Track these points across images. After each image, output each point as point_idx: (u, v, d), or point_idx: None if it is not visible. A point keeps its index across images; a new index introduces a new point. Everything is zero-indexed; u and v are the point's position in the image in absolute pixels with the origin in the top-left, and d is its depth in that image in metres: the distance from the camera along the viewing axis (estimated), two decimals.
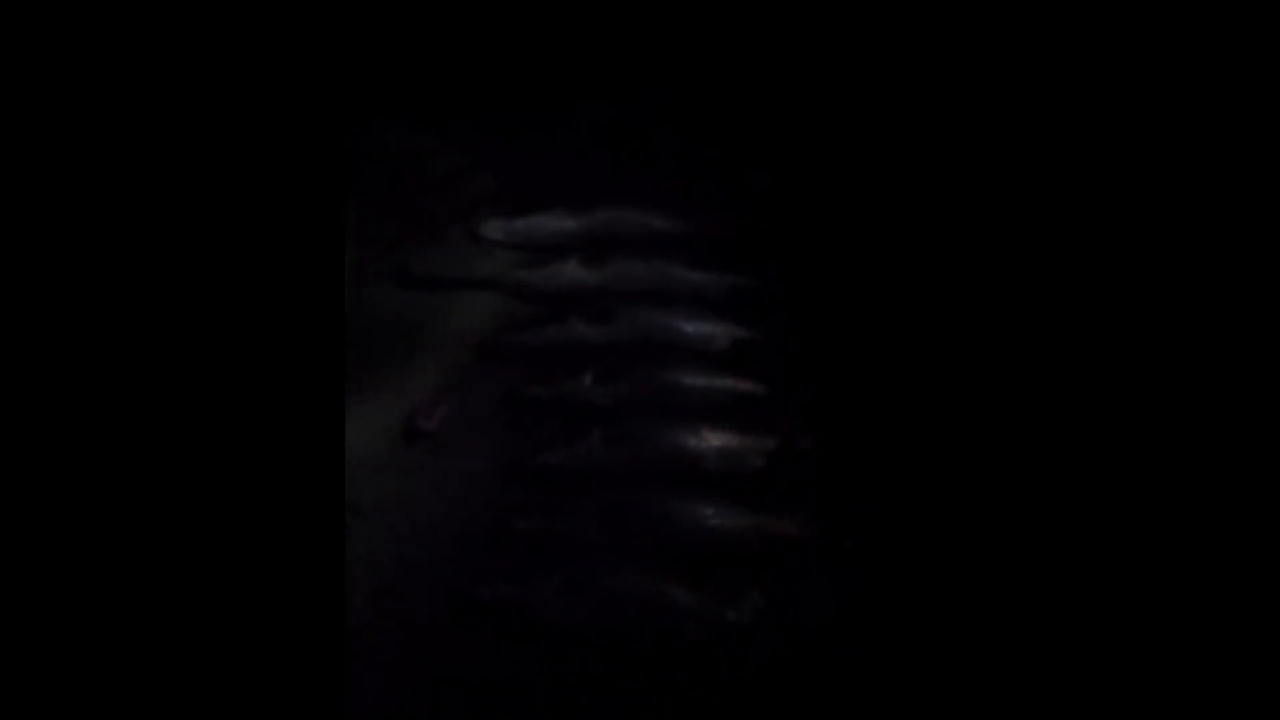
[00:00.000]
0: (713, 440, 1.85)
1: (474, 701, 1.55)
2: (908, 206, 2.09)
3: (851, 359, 2.05)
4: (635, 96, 2.54)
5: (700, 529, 1.72)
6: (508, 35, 2.59)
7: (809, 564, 1.71)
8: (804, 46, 2.49)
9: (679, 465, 1.83)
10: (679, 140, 2.51)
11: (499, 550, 1.74)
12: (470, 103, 2.57)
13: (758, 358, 2.06)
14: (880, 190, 2.26)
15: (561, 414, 1.94)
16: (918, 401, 1.89)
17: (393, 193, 2.43)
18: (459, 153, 2.51)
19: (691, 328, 2.07)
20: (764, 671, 1.57)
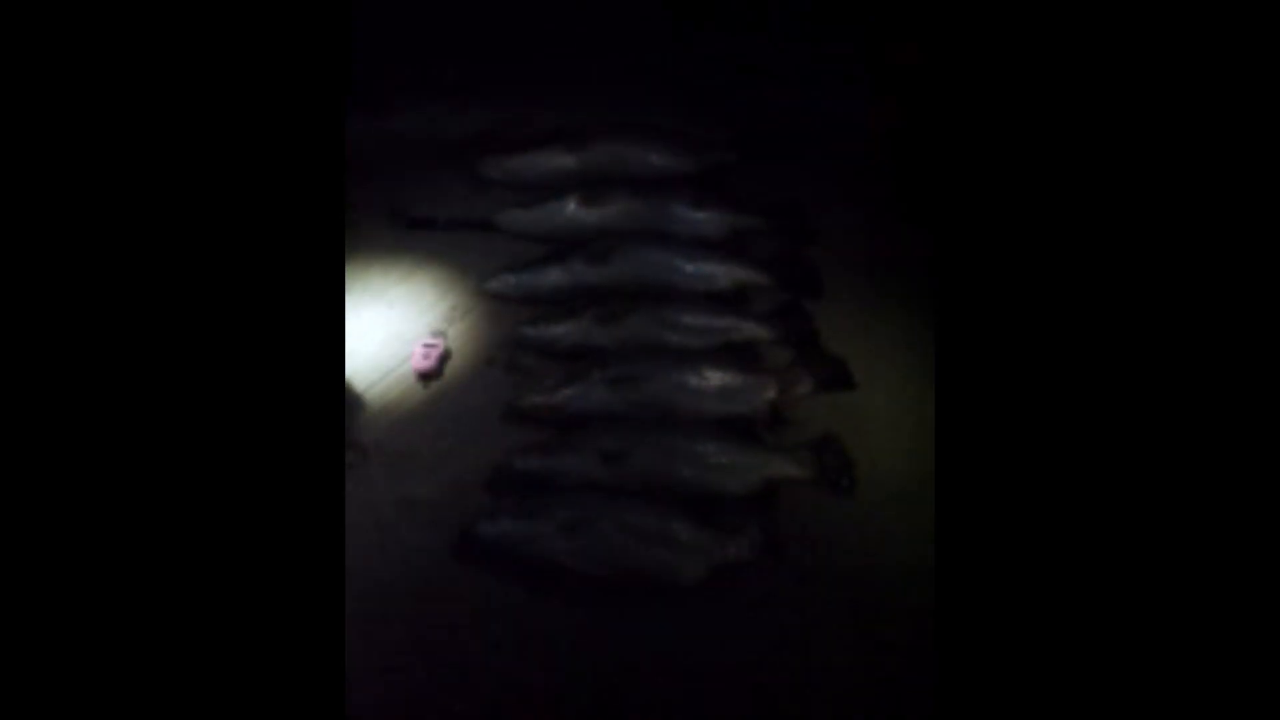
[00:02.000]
0: (713, 380, 1.85)
1: (475, 635, 1.57)
2: (917, 149, 2.06)
3: (853, 298, 2.05)
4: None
5: (700, 468, 1.72)
6: None
7: (807, 501, 1.73)
8: None
9: (679, 405, 1.83)
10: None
11: (500, 489, 1.74)
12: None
13: (759, 298, 2.05)
14: (889, 134, 2.23)
15: (561, 354, 1.94)
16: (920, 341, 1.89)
17: (388, 132, 2.39)
18: (453, 91, 2.47)
19: (692, 268, 2.05)
20: (761, 608, 1.60)
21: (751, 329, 1.97)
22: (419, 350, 1.94)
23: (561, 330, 1.95)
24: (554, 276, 2.05)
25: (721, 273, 2.06)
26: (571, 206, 2.15)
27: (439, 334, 1.98)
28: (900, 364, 1.91)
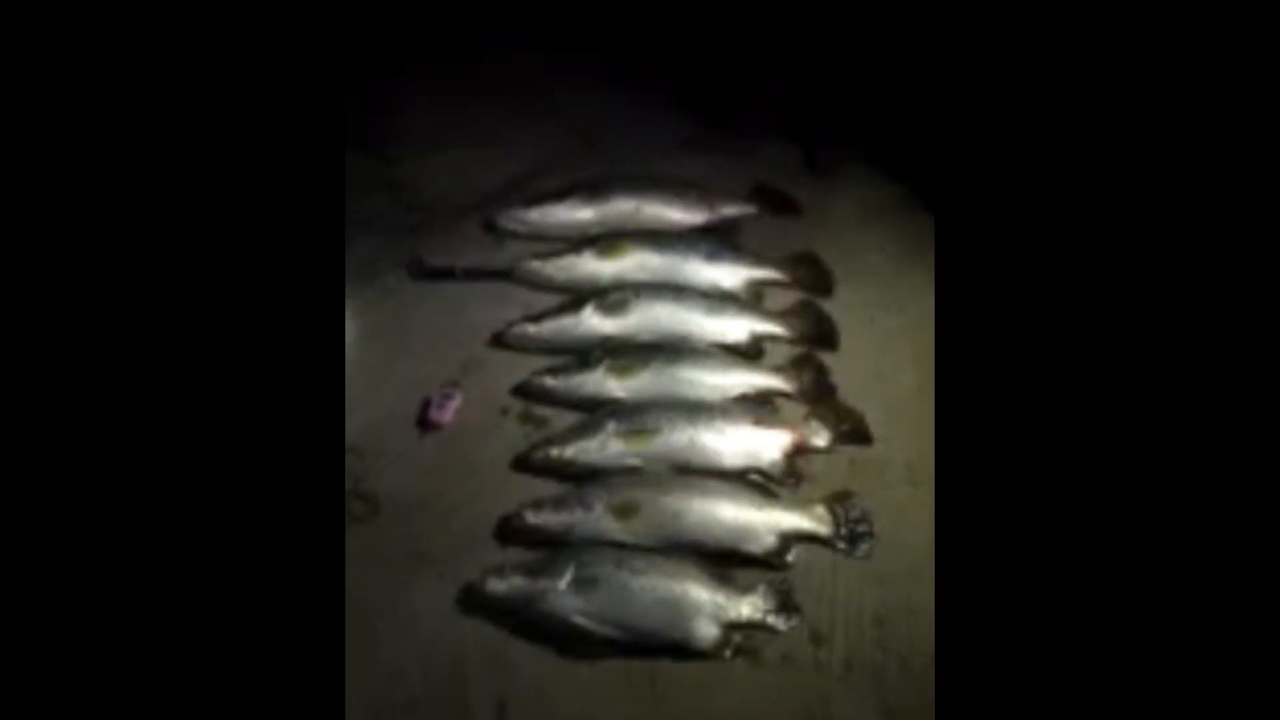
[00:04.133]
0: (729, 434, 1.82)
1: (484, 694, 1.53)
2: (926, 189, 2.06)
3: (871, 351, 2.03)
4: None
5: (715, 524, 1.69)
6: None
7: (823, 558, 1.69)
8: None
9: (694, 459, 1.80)
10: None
11: (511, 543, 1.72)
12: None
13: (775, 351, 2.03)
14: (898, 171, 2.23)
15: (575, 406, 1.92)
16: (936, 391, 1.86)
17: (406, 183, 2.42)
18: (470, 141, 2.51)
19: (709, 320, 2.04)
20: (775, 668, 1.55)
21: (767, 382, 1.95)
22: (433, 401, 1.93)
23: (576, 381, 1.94)
24: (569, 327, 2.04)
25: (738, 325, 2.05)
26: (588, 258, 2.16)
27: (453, 384, 1.98)
28: (918, 417, 1.88)
